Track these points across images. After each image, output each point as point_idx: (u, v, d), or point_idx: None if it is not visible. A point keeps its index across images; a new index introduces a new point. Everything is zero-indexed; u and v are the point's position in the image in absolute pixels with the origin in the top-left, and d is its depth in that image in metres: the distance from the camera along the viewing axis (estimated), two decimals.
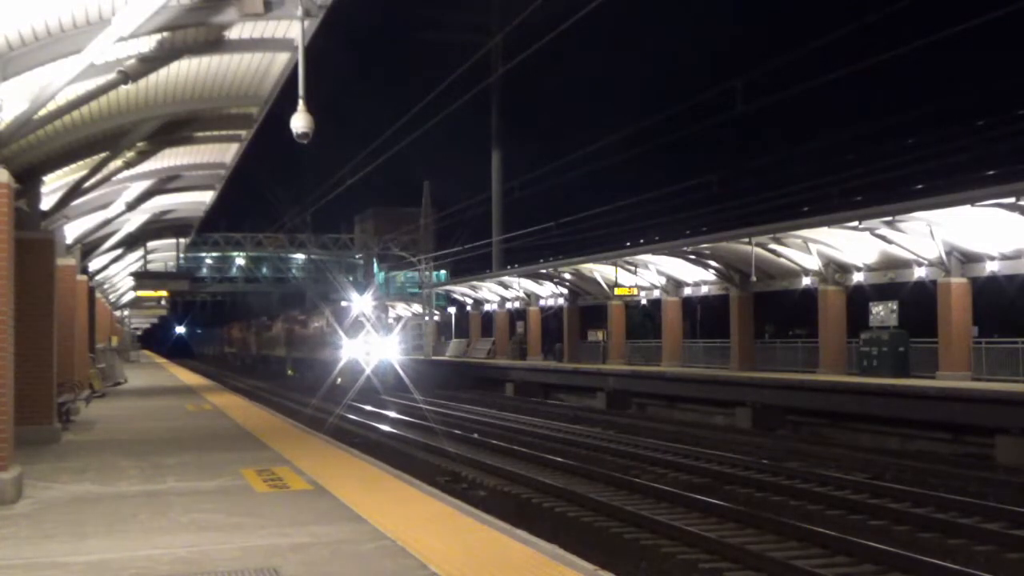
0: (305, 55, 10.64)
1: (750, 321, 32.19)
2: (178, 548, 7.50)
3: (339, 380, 39.21)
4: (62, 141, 13.50)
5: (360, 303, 42.54)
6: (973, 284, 24.81)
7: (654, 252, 33.97)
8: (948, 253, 24.20)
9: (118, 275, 37.14)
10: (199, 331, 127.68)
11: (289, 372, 53.68)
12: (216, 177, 19.70)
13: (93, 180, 15.89)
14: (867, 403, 22.72)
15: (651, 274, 36.43)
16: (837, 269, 28.26)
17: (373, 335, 40.61)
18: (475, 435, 23.68)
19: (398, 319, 56.22)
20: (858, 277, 27.88)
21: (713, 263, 31.99)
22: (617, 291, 37.39)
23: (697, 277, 34.59)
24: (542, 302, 46.24)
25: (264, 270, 72.58)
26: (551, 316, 47.10)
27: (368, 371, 39.05)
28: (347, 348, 40.59)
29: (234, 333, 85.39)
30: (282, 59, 12.09)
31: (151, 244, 30.98)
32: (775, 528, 12.00)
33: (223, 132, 15.85)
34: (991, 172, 24.80)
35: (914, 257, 25.16)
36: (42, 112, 10.94)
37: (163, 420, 19.19)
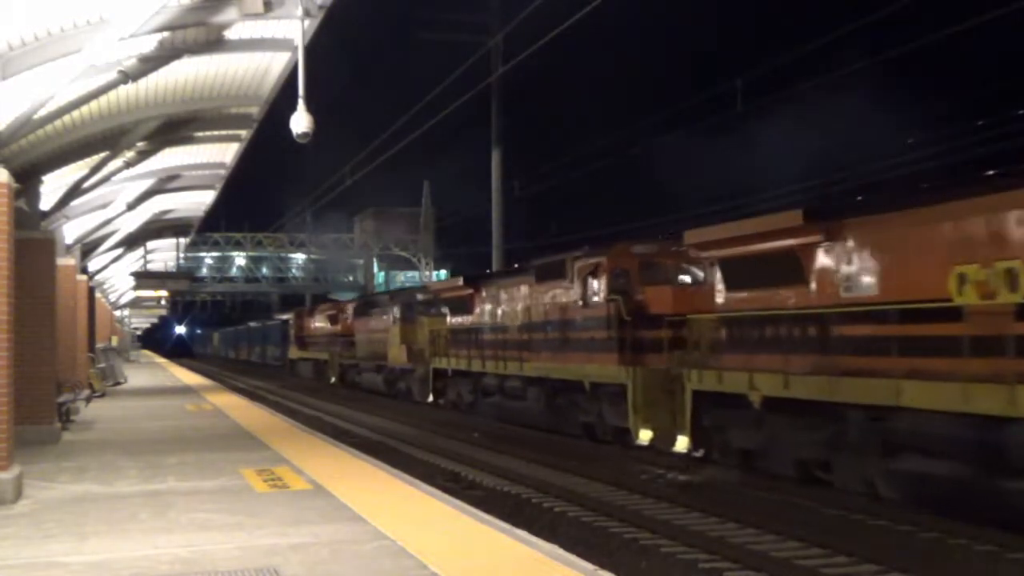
0: (305, 55, 10.66)
1: None
2: (178, 548, 7.50)
3: None
4: (62, 141, 13.52)
5: None
6: None
7: None
8: None
9: (118, 275, 37.17)
10: (221, 325, 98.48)
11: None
12: (216, 177, 19.74)
13: (93, 180, 15.91)
14: None
15: None
16: None
17: None
18: None
19: None
20: None
21: None
22: None
23: None
24: None
25: (264, 270, 72.59)
26: None
27: None
28: None
29: (314, 325, 47.95)
30: (282, 59, 12.12)
31: (151, 244, 31.08)
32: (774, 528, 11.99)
33: (223, 132, 15.89)
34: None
35: None
36: (42, 112, 10.95)
37: (163, 420, 19.20)
